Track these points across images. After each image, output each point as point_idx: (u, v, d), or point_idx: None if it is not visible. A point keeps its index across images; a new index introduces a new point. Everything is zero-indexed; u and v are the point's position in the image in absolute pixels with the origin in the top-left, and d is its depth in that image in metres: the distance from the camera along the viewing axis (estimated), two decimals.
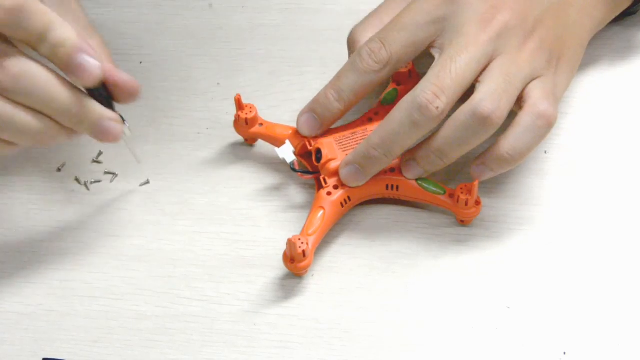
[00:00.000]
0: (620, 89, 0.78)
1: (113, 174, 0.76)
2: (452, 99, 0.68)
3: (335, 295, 0.70)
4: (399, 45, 0.70)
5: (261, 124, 0.75)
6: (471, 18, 0.69)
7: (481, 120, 0.67)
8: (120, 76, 0.66)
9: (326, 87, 0.72)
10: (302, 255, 0.68)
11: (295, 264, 0.68)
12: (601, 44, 0.80)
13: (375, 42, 0.70)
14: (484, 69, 0.69)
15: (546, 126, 0.68)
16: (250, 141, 0.76)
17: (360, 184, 0.71)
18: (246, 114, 0.74)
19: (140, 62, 0.82)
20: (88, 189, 0.76)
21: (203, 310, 0.70)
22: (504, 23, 0.69)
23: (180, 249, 0.72)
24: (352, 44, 0.74)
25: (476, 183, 0.69)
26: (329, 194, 0.71)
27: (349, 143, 0.72)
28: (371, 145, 0.69)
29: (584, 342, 0.67)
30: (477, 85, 0.69)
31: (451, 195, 0.71)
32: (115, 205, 0.75)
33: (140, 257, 0.72)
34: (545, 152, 0.75)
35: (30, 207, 0.75)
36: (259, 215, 0.74)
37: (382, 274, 0.70)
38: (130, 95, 0.67)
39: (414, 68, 0.75)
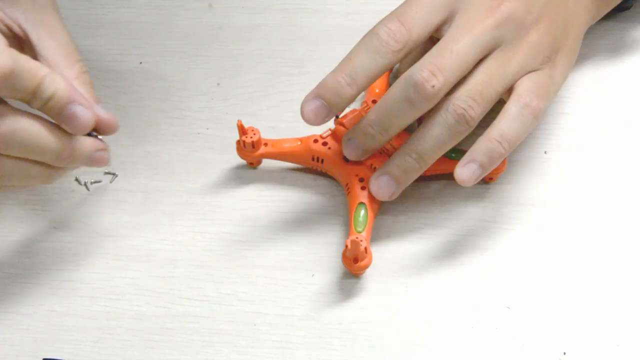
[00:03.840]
0: (618, 87, 0.78)
1: (113, 174, 0.76)
2: (449, 80, 0.67)
3: (335, 294, 0.70)
4: (418, 24, 0.68)
5: (266, 144, 0.75)
6: (479, 3, 0.69)
7: (454, 117, 0.67)
8: (102, 114, 0.67)
9: (335, 71, 0.68)
10: (365, 253, 0.68)
11: (359, 263, 0.68)
12: (595, 40, 0.80)
13: (394, 21, 0.68)
14: (486, 56, 0.68)
15: (531, 116, 0.68)
16: (255, 164, 0.76)
17: (362, 159, 0.71)
18: (250, 137, 0.74)
19: (140, 62, 0.82)
20: (88, 189, 0.76)
21: (203, 310, 0.70)
22: (510, 12, 0.69)
23: (180, 249, 0.72)
24: None
25: None
26: (363, 188, 0.71)
27: None
28: (367, 122, 0.69)
29: (584, 342, 0.67)
30: (459, 82, 0.68)
31: None
32: (115, 205, 0.75)
33: (140, 257, 0.72)
34: (545, 152, 0.75)
35: (30, 207, 0.75)
36: (259, 215, 0.74)
37: (383, 274, 0.70)
38: (111, 129, 0.68)
39: None
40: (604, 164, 0.74)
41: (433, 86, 0.66)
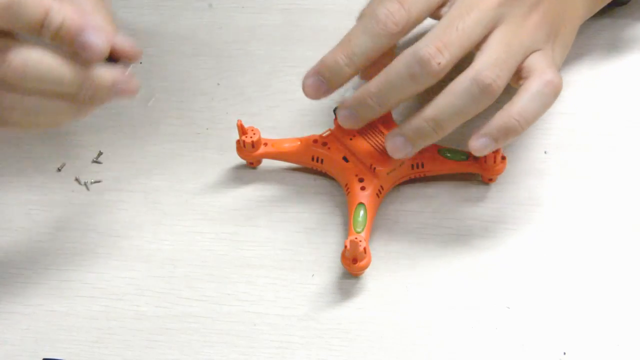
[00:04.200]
0: (618, 86, 0.78)
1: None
2: (454, 57, 0.66)
3: (335, 295, 0.70)
4: (418, 5, 0.68)
5: (265, 144, 0.75)
6: None
7: (482, 88, 0.66)
8: (121, 41, 0.65)
9: (335, 50, 0.68)
10: (364, 253, 0.68)
11: (358, 263, 0.68)
12: (594, 38, 0.80)
13: (393, 1, 0.68)
14: (488, 34, 0.68)
15: (553, 94, 0.67)
16: (255, 164, 0.76)
17: (355, 128, 0.71)
18: (250, 137, 0.74)
19: (140, 62, 0.82)
20: (88, 189, 0.76)
21: (203, 310, 0.70)
22: None
23: (180, 249, 0.72)
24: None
25: None
26: (362, 188, 0.71)
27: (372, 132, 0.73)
28: (367, 93, 0.68)
29: (584, 342, 0.67)
30: (477, 54, 0.68)
31: (475, 158, 0.72)
32: (115, 205, 0.75)
33: (140, 257, 0.72)
34: (545, 152, 0.75)
35: (30, 207, 0.75)
36: (259, 215, 0.74)
37: (382, 274, 0.70)
38: (134, 56, 0.66)
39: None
40: (604, 163, 0.74)
41: (439, 63, 0.65)
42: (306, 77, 0.70)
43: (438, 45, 0.66)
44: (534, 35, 0.69)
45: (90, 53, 0.62)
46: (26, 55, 0.62)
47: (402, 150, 0.69)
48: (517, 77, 0.69)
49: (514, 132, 0.67)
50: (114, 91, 0.64)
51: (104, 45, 0.63)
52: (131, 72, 0.65)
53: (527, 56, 0.69)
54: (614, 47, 0.80)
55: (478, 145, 0.67)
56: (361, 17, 0.69)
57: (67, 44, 0.62)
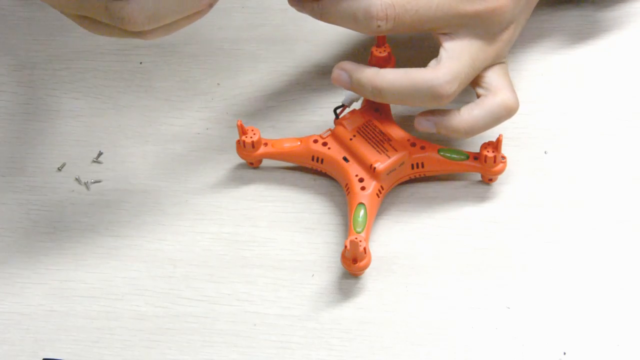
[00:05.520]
0: (618, 86, 0.78)
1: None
2: (397, 25, 0.68)
3: (335, 295, 0.70)
4: None
5: (265, 144, 0.75)
6: None
7: (435, 97, 0.68)
8: None
9: None
10: (364, 253, 0.68)
11: (358, 263, 0.68)
12: (594, 39, 0.80)
13: None
14: (449, 31, 0.69)
15: (508, 116, 0.71)
16: (255, 164, 0.76)
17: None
18: (250, 137, 0.74)
19: (141, 63, 0.82)
20: (88, 189, 0.76)
21: (203, 310, 0.70)
22: (497, 7, 0.69)
23: (180, 249, 0.72)
24: None
25: (501, 138, 0.70)
26: (362, 188, 0.71)
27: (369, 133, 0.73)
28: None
29: (584, 342, 0.67)
30: (443, 53, 0.69)
31: (476, 157, 0.72)
32: (115, 205, 0.75)
33: (140, 257, 0.72)
34: (546, 152, 0.75)
35: (30, 207, 0.75)
36: (259, 215, 0.74)
37: (382, 274, 0.70)
38: None
39: (392, 55, 0.76)
40: (604, 164, 0.74)
41: (379, 26, 0.68)
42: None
43: (390, 12, 0.68)
44: (499, 53, 0.71)
45: None
46: None
47: (340, 82, 0.71)
48: (475, 83, 0.71)
49: (457, 135, 0.70)
50: None
51: None
52: None
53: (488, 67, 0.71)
54: (617, 47, 0.80)
55: (422, 124, 0.71)
56: None
57: None
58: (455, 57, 0.69)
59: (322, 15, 0.70)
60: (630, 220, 0.72)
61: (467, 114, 0.70)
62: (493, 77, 0.71)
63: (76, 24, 0.66)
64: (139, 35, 0.65)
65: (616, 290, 0.69)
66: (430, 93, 0.68)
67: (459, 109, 0.70)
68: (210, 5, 0.67)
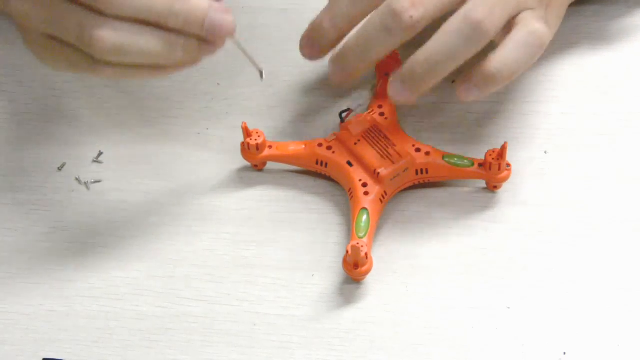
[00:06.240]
0: (618, 86, 0.78)
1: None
2: (430, 11, 0.65)
3: (335, 295, 0.70)
4: None
5: (270, 146, 0.74)
6: None
7: (473, 26, 0.64)
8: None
9: (319, 14, 0.70)
10: (365, 259, 0.68)
11: (359, 268, 0.68)
12: (596, 37, 0.80)
13: None
14: None
15: (538, 45, 0.66)
16: (260, 166, 0.76)
17: (343, 83, 0.70)
18: (255, 139, 0.74)
19: None
20: (88, 188, 0.76)
21: (203, 310, 0.70)
22: None
23: (180, 249, 0.72)
24: None
25: (506, 145, 0.70)
26: (366, 193, 0.71)
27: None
28: (347, 46, 0.68)
29: (584, 342, 0.67)
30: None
31: (480, 165, 0.71)
32: (115, 205, 0.75)
33: (140, 257, 0.72)
34: (546, 152, 0.75)
35: (30, 207, 0.75)
36: (259, 215, 0.74)
37: (382, 274, 0.70)
38: None
39: (398, 56, 0.76)
40: (604, 164, 0.74)
41: (411, 16, 0.64)
42: (300, 40, 0.71)
43: None
44: None
45: (219, 34, 0.63)
46: None
47: (401, 94, 0.66)
48: (505, 31, 0.67)
49: (496, 80, 0.65)
50: (209, 23, 0.63)
51: (231, 24, 0.64)
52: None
53: (519, 13, 0.67)
54: (618, 48, 0.80)
55: (462, 90, 0.66)
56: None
57: (196, 29, 0.63)
58: None
59: (361, 54, 0.67)
60: (630, 220, 0.72)
61: (493, 52, 0.65)
62: (519, 17, 0.66)
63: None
64: (96, 66, 0.64)
65: (616, 290, 0.69)
66: (468, 25, 0.64)
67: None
68: (177, 69, 0.66)
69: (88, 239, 0.73)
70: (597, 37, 0.80)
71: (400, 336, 0.68)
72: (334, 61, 0.69)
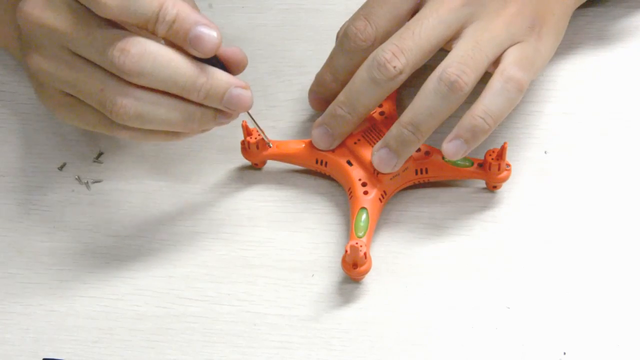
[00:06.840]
0: (618, 86, 0.78)
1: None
2: (412, 61, 0.68)
3: (335, 295, 0.70)
4: (383, 19, 0.70)
5: (271, 145, 0.75)
6: None
7: (448, 85, 0.67)
8: (229, 48, 0.67)
9: (321, 69, 0.73)
10: (364, 258, 0.68)
11: (358, 268, 0.68)
12: (597, 37, 0.80)
13: (360, 19, 0.70)
14: (456, 34, 0.69)
15: (516, 90, 0.68)
16: (260, 165, 0.76)
17: (331, 147, 0.72)
18: (255, 138, 0.74)
19: None
20: (89, 188, 0.76)
21: (203, 310, 0.70)
22: None
23: (180, 249, 0.72)
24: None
25: (505, 145, 0.70)
26: (365, 193, 0.71)
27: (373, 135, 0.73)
28: (337, 103, 0.70)
29: (584, 342, 0.67)
30: (449, 52, 0.69)
31: (480, 165, 0.72)
32: (115, 205, 0.75)
33: (140, 257, 0.72)
34: (546, 152, 0.75)
35: (30, 207, 0.75)
36: (259, 215, 0.74)
37: (382, 274, 0.70)
38: (240, 62, 0.68)
39: None
40: (604, 164, 0.74)
41: (395, 67, 0.68)
42: (308, 94, 0.75)
43: (394, 49, 0.68)
44: (510, 28, 0.69)
45: (203, 47, 0.63)
46: (144, 45, 0.62)
47: (388, 163, 0.69)
48: (495, 66, 0.69)
49: (482, 130, 0.67)
50: (228, 98, 0.65)
51: (217, 39, 0.64)
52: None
53: (506, 49, 0.69)
54: (618, 48, 0.80)
55: (449, 148, 0.68)
56: (337, 37, 0.73)
57: (180, 38, 0.63)
58: (456, 44, 0.69)
59: (350, 107, 0.71)
60: (630, 220, 0.72)
61: (475, 103, 0.68)
62: (503, 56, 0.69)
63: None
64: (114, 128, 0.66)
65: (616, 290, 0.69)
66: (444, 85, 0.67)
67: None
68: (190, 135, 0.68)
69: (88, 239, 0.73)
70: (597, 38, 0.80)
71: (400, 336, 0.68)
72: (322, 122, 0.71)
